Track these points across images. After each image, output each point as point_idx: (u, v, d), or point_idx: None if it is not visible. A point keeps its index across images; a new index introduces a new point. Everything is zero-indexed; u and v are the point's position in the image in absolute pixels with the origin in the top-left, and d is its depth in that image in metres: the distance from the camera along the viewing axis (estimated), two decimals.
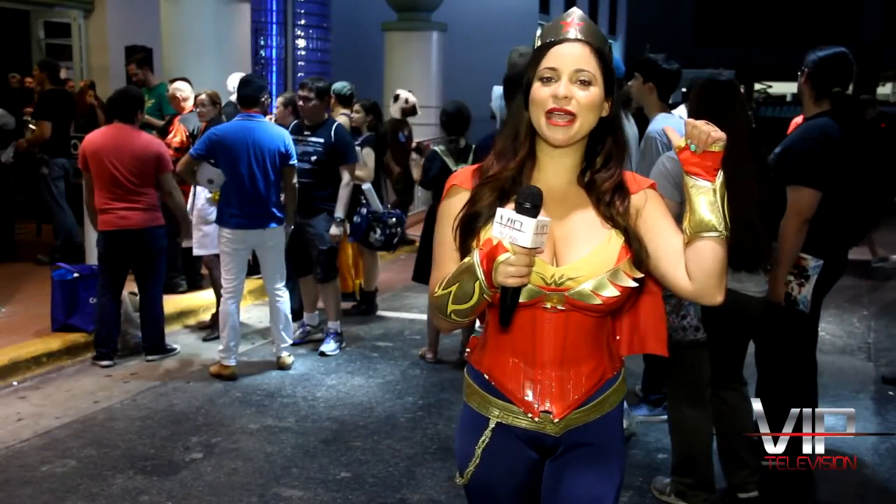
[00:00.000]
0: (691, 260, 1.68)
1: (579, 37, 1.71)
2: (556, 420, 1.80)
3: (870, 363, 5.66)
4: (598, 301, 1.71)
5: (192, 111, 6.48)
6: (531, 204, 1.53)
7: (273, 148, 5.05)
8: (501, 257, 1.54)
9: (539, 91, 1.70)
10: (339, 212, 5.43)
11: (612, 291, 1.70)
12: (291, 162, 5.17)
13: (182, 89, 6.62)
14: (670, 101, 4.32)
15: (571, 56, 1.69)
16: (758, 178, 3.23)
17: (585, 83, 1.69)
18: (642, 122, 4.62)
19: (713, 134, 1.61)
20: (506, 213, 1.54)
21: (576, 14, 1.75)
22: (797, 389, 3.73)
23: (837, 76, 3.65)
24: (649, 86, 4.14)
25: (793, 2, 30.78)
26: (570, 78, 1.68)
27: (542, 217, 1.54)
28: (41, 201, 7.88)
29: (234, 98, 6.02)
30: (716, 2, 32.07)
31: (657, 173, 3.23)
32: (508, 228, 1.53)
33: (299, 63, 13.40)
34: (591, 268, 1.70)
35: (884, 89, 29.86)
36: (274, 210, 5.12)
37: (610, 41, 1.76)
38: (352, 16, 14.55)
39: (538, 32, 1.80)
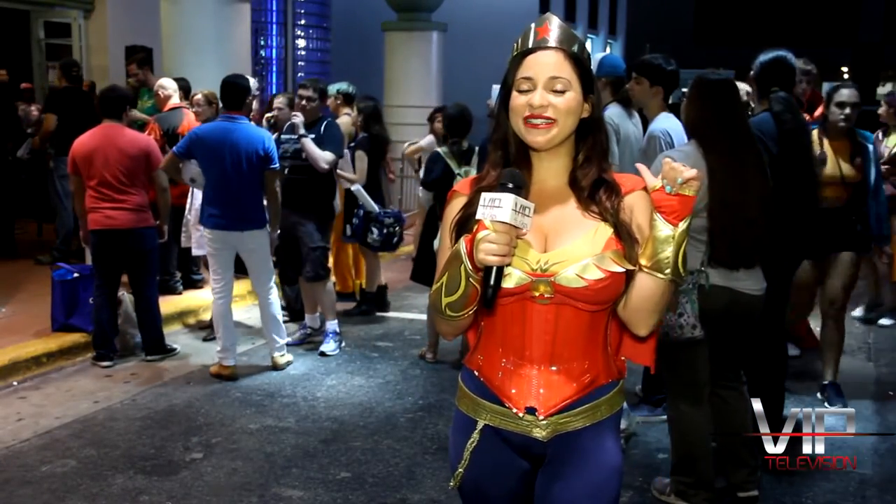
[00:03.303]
0: (632, 287, 1.74)
1: (553, 44, 1.73)
2: (542, 418, 1.78)
3: (870, 363, 5.65)
4: (583, 284, 1.70)
5: (172, 109, 6.48)
6: (512, 184, 1.60)
7: (251, 150, 4.98)
8: (481, 234, 1.58)
9: (517, 100, 1.74)
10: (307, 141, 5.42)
11: (597, 274, 1.70)
12: (273, 165, 5.08)
13: (165, 87, 6.59)
14: (669, 101, 4.32)
15: (546, 65, 1.72)
16: (756, 172, 3.25)
17: (560, 91, 1.71)
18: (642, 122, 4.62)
19: (686, 174, 1.66)
20: (487, 194, 1.60)
21: (550, 19, 1.77)
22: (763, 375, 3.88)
23: (776, 78, 3.90)
24: (656, 89, 4.14)
25: (793, 2, 30.79)
26: (546, 87, 1.71)
27: (523, 200, 1.59)
28: (47, 198, 7.89)
29: None
30: (716, 2, 32.09)
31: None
32: (489, 208, 1.58)
33: (299, 63, 13.41)
34: (577, 253, 1.72)
35: (884, 89, 29.85)
36: (253, 214, 5.06)
37: (589, 36, 1.77)
38: (352, 16, 14.56)
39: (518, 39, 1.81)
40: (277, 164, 5.18)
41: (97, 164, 5.15)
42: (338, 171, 5.93)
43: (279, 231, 5.42)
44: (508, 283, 1.69)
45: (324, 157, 5.44)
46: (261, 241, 5.16)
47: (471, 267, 1.61)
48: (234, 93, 5.10)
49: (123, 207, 5.19)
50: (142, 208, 5.29)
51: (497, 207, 1.57)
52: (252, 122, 5.39)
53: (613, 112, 4.40)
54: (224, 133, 4.99)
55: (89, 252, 5.46)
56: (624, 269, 1.72)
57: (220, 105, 5.67)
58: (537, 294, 1.73)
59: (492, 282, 1.62)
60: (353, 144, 6.38)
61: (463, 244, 1.63)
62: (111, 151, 5.16)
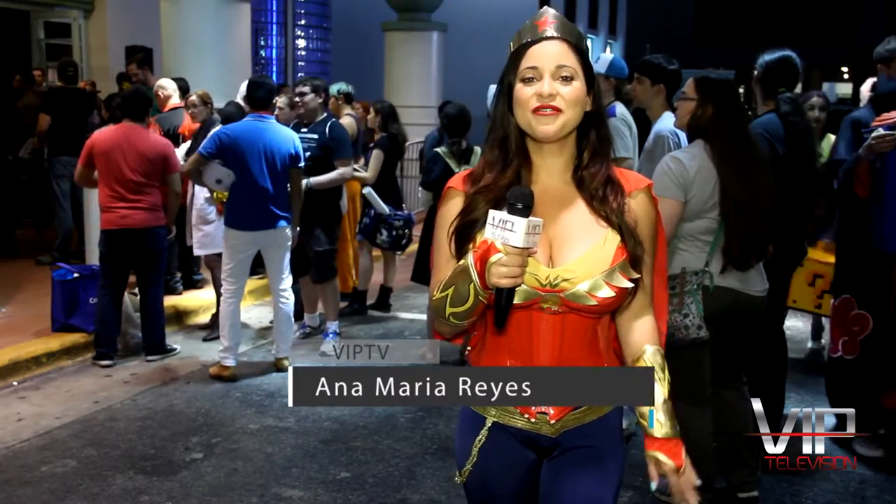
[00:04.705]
0: (627, 344, 1.82)
1: (555, 34, 1.72)
2: (553, 422, 1.80)
3: None
4: (593, 302, 1.71)
5: (172, 109, 6.49)
6: (522, 204, 1.55)
7: (284, 150, 5.06)
8: (494, 258, 1.55)
9: (522, 91, 1.71)
10: (315, 179, 5.41)
11: (607, 292, 1.70)
12: (300, 164, 5.18)
13: (165, 87, 6.60)
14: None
15: (551, 54, 1.70)
16: (763, 167, 3.27)
17: (567, 79, 1.69)
18: (640, 122, 4.62)
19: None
20: (497, 214, 1.56)
21: (549, 12, 1.76)
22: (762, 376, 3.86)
23: (782, 78, 3.87)
24: (658, 88, 4.14)
25: (793, 2, 30.80)
26: (553, 75, 1.69)
27: (533, 217, 1.54)
28: (47, 198, 7.90)
29: (237, 99, 6.01)
30: (716, 2, 32.10)
31: (660, 172, 3.23)
32: (500, 229, 1.54)
33: (299, 63, 13.43)
34: (587, 269, 1.70)
35: None
36: (283, 210, 5.12)
37: (589, 36, 1.77)
38: (352, 16, 14.58)
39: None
40: (303, 163, 5.22)
41: (114, 162, 5.17)
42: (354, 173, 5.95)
43: None
44: (517, 299, 1.67)
45: (342, 175, 5.47)
46: (288, 239, 5.22)
47: (481, 287, 1.59)
48: (261, 92, 5.12)
49: (138, 207, 5.22)
50: (155, 207, 5.32)
51: (509, 231, 1.53)
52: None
53: (623, 110, 4.44)
54: (257, 133, 5.02)
55: (98, 251, 5.46)
56: (632, 284, 1.72)
57: (246, 105, 5.58)
58: (545, 307, 1.74)
59: (503, 302, 1.61)
60: (372, 144, 6.39)
61: (472, 263, 1.59)
62: (129, 152, 5.18)
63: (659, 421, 1.75)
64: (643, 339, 1.80)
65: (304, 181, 5.35)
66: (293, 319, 5.43)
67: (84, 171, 5.33)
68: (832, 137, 4.88)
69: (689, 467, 1.76)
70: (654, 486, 1.78)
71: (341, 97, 6.66)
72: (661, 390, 1.74)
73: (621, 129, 4.37)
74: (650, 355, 1.77)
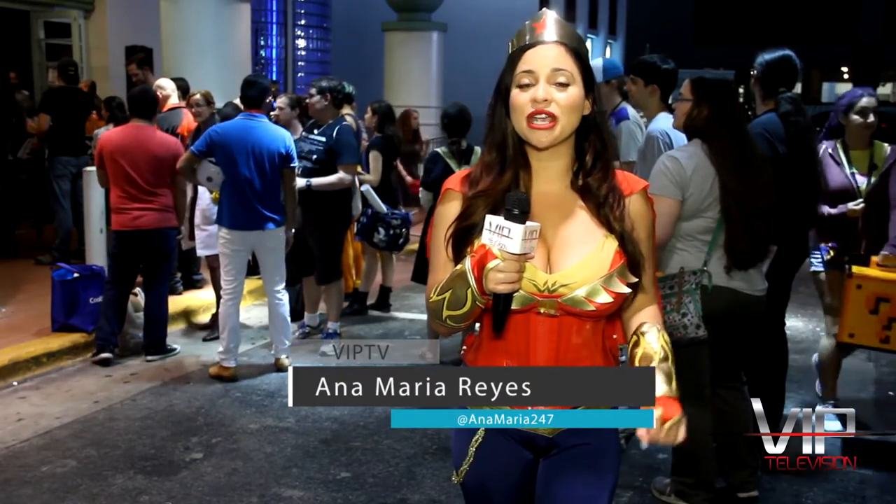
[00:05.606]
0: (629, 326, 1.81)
1: (553, 38, 1.70)
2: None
3: (870, 363, 5.64)
4: (591, 307, 1.71)
5: (171, 109, 6.48)
6: (519, 210, 1.54)
7: (273, 149, 5.01)
8: (491, 264, 1.55)
9: (518, 97, 1.70)
10: (316, 180, 5.39)
11: (605, 298, 1.70)
12: (292, 164, 5.12)
13: (164, 87, 6.60)
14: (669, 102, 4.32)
15: (547, 58, 1.68)
16: (761, 165, 3.28)
17: (563, 84, 1.68)
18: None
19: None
20: (494, 220, 1.55)
21: (548, 15, 1.74)
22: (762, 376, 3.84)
23: (782, 77, 3.86)
24: (652, 88, 4.14)
25: (793, 2, 30.82)
26: (548, 80, 1.67)
27: (530, 223, 1.54)
28: (47, 198, 7.90)
29: (236, 99, 6.01)
30: (715, 2, 32.12)
31: (658, 172, 3.24)
32: (497, 235, 1.54)
33: (299, 63, 13.43)
34: (585, 274, 1.70)
35: (884, 89, 29.85)
36: (274, 212, 5.09)
37: (589, 36, 1.76)
38: (352, 16, 14.58)
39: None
40: (297, 164, 5.19)
41: (124, 162, 5.17)
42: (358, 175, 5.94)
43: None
44: (514, 304, 1.67)
45: (342, 180, 5.45)
46: (279, 241, 5.18)
47: (479, 292, 1.59)
48: (253, 91, 5.11)
49: (150, 208, 5.22)
50: (167, 208, 5.32)
51: (506, 237, 1.52)
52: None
53: (634, 112, 4.46)
54: (246, 131, 4.99)
55: (108, 249, 5.46)
56: (630, 289, 1.72)
57: (241, 105, 5.60)
58: (542, 311, 1.74)
59: (501, 308, 1.61)
60: (367, 145, 6.39)
61: (469, 269, 1.59)
62: (139, 151, 5.18)
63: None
64: (643, 319, 1.79)
65: (305, 181, 5.35)
66: (290, 319, 5.42)
67: (103, 175, 5.33)
68: (886, 147, 4.37)
69: (676, 425, 1.63)
70: (643, 445, 1.66)
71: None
72: (659, 348, 1.69)
73: (635, 133, 4.37)
74: (647, 326, 1.73)
